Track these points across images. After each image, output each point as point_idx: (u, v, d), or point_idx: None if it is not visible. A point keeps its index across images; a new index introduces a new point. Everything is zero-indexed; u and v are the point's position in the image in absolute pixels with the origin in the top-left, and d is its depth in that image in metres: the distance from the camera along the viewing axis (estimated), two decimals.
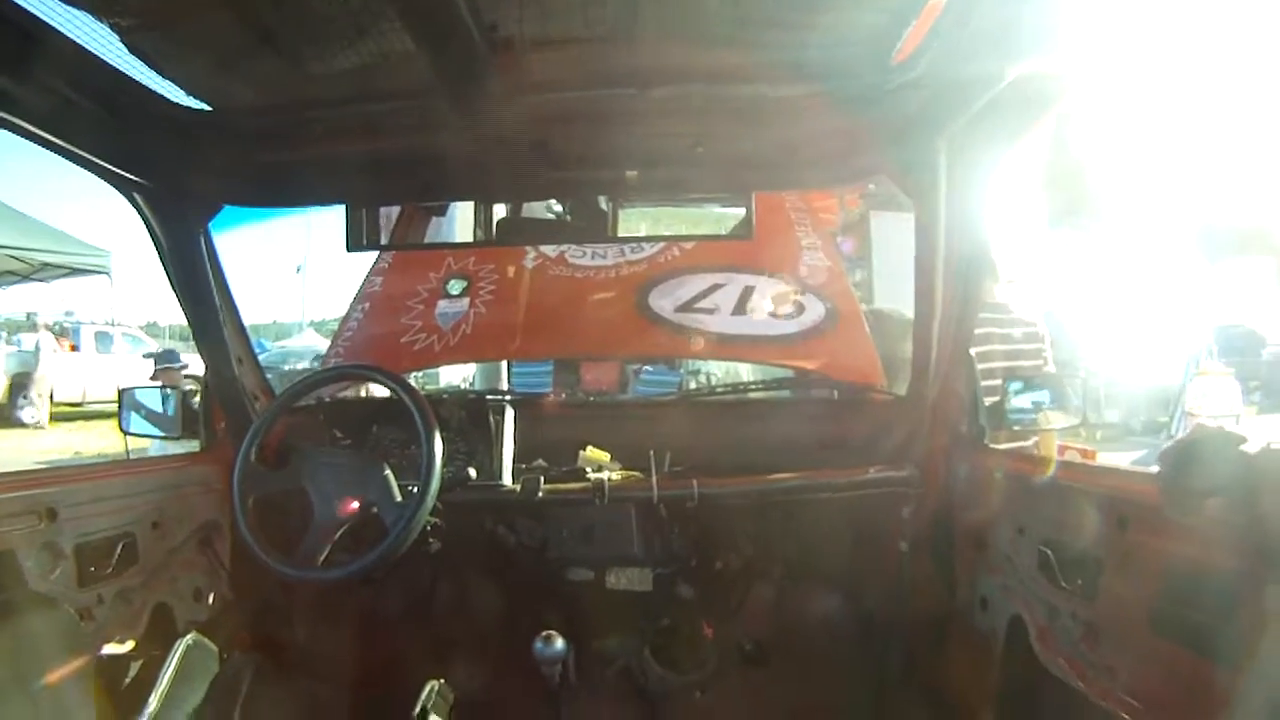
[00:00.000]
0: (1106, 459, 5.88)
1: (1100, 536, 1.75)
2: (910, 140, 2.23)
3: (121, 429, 2.85)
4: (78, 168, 2.11)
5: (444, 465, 2.35)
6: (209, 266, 2.54)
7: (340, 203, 2.56)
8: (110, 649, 2.12)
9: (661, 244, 3.89)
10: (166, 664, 2.11)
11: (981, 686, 2.18)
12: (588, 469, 2.68)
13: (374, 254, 3.91)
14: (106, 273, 15.01)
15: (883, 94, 2.04)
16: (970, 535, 2.36)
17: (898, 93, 2.03)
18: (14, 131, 1.84)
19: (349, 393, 3.21)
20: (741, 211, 2.61)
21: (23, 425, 14.90)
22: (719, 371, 5.33)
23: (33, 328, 16.63)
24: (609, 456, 2.75)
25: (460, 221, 3.37)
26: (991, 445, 2.47)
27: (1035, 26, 1.66)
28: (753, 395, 3.47)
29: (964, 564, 2.39)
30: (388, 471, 2.35)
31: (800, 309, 3.67)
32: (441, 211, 3.63)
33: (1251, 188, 2.46)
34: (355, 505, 2.33)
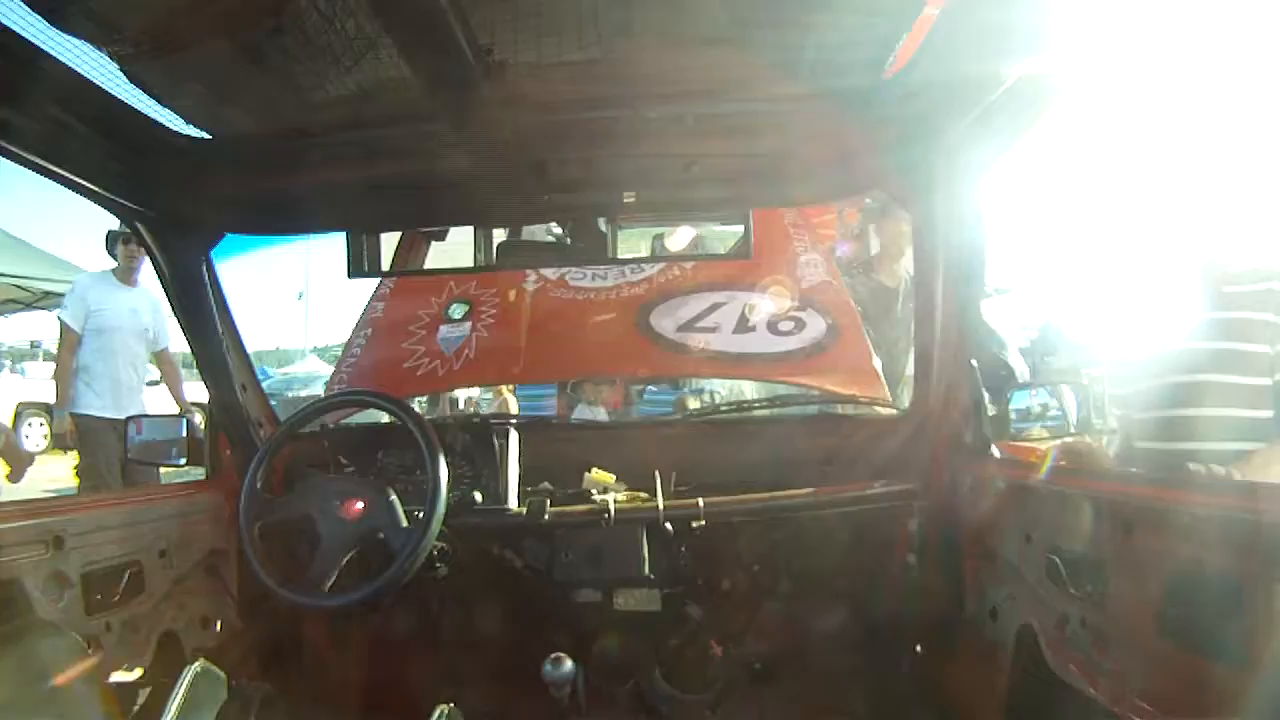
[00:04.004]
0: None
1: (1106, 542, 1.74)
2: (905, 151, 2.23)
3: (126, 457, 2.85)
4: (80, 196, 2.13)
5: (449, 490, 2.36)
6: (211, 293, 2.55)
7: (341, 229, 2.57)
8: (118, 677, 2.11)
9: (661, 264, 3.91)
10: (174, 692, 2.10)
11: (993, 698, 2.16)
12: (593, 491, 2.66)
13: (375, 280, 3.92)
14: None
15: (877, 105, 2.06)
16: (977, 546, 2.35)
17: (891, 104, 2.05)
18: (15, 160, 1.86)
19: (353, 419, 3.21)
20: (740, 229, 2.62)
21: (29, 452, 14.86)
22: (722, 390, 5.34)
23: (35, 356, 16.63)
24: (614, 478, 2.74)
25: (461, 246, 3.38)
26: (996, 453, 2.46)
27: (1027, 34, 1.67)
28: (756, 413, 3.46)
29: (972, 575, 2.38)
30: (393, 497, 2.35)
31: (801, 325, 3.67)
32: (442, 236, 3.64)
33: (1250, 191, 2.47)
34: (361, 531, 2.33)
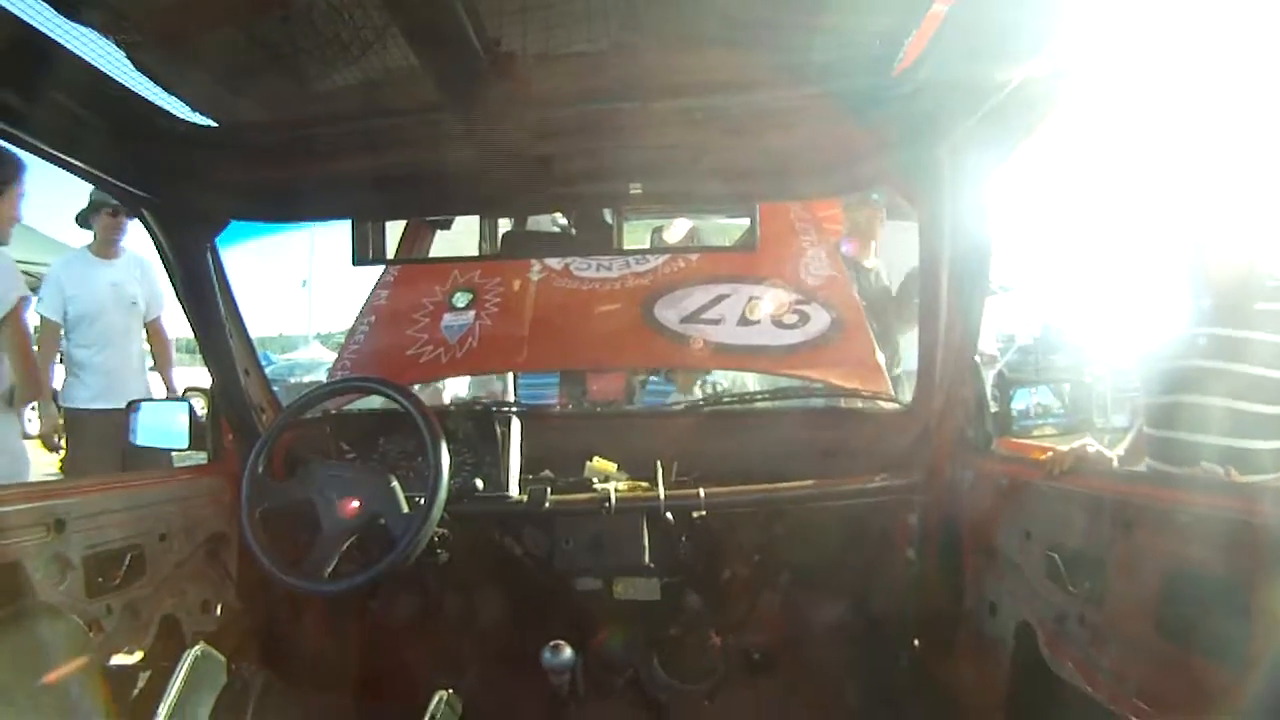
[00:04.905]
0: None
1: (1106, 540, 1.75)
2: (912, 148, 2.23)
3: (130, 442, 2.85)
4: (86, 183, 2.13)
5: (450, 476, 2.36)
6: (215, 280, 2.55)
7: (346, 217, 2.57)
8: (119, 660, 2.12)
9: (666, 255, 3.90)
10: (175, 675, 2.12)
11: (992, 694, 2.17)
12: (594, 479, 2.67)
13: (380, 267, 3.92)
14: None
15: (885, 102, 2.05)
16: (978, 541, 2.35)
17: (899, 101, 2.04)
18: (22, 147, 1.87)
19: (355, 405, 3.22)
20: (745, 222, 2.62)
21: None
22: (725, 381, 5.33)
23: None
24: (615, 466, 2.74)
25: (466, 235, 3.37)
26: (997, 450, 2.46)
27: (1035, 33, 1.67)
28: (758, 404, 3.46)
29: (972, 570, 2.38)
30: (394, 483, 2.36)
31: (805, 318, 3.67)
32: (447, 225, 3.63)
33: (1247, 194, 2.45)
34: (362, 517, 2.34)
